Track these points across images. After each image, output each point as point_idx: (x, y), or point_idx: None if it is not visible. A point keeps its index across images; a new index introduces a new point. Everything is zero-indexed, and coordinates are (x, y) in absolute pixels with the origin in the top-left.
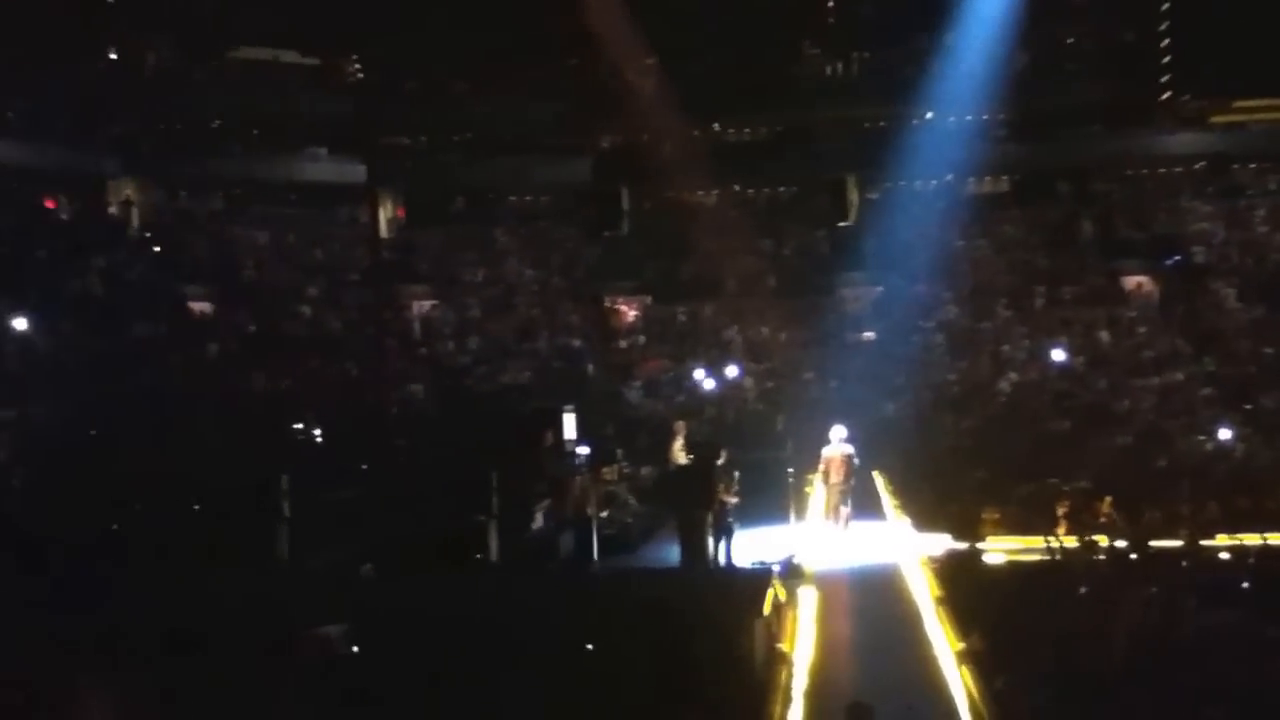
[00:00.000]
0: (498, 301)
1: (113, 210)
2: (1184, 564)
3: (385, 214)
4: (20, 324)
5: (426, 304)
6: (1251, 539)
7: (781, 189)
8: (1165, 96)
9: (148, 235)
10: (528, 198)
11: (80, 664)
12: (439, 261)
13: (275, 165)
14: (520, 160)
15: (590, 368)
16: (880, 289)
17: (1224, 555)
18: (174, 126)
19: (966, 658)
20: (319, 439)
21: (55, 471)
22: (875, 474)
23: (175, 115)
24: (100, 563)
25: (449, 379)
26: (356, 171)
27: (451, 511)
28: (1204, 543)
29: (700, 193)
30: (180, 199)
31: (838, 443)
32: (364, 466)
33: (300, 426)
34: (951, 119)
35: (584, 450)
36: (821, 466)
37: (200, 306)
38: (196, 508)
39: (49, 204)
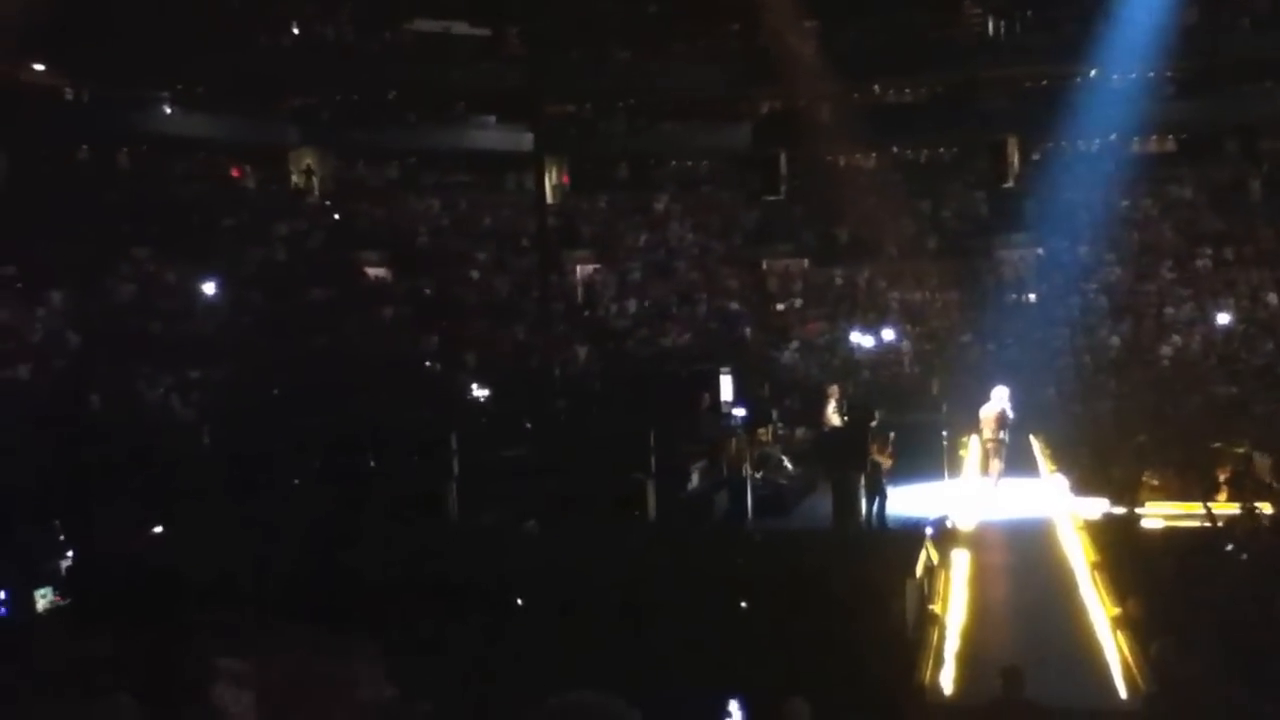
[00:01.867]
0: (658, 265)
1: (294, 179)
2: None
3: (551, 180)
4: (209, 289)
5: (590, 268)
6: None
7: (941, 150)
8: None
9: (327, 203)
10: (688, 163)
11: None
12: (602, 226)
13: (447, 134)
14: (681, 126)
15: (748, 330)
16: (1041, 251)
17: None
18: (351, 98)
19: (1123, 623)
20: (487, 399)
21: (239, 430)
22: (1032, 437)
23: (352, 86)
24: (281, 519)
25: (611, 341)
26: (524, 139)
27: (611, 470)
28: None
29: (859, 155)
30: (357, 168)
31: (997, 401)
32: (528, 426)
33: (469, 387)
34: (1116, 77)
35: (740, 411)
36: (980, 425)
37: (376, 272)
38: (372, 464)
39: (235, 174)
